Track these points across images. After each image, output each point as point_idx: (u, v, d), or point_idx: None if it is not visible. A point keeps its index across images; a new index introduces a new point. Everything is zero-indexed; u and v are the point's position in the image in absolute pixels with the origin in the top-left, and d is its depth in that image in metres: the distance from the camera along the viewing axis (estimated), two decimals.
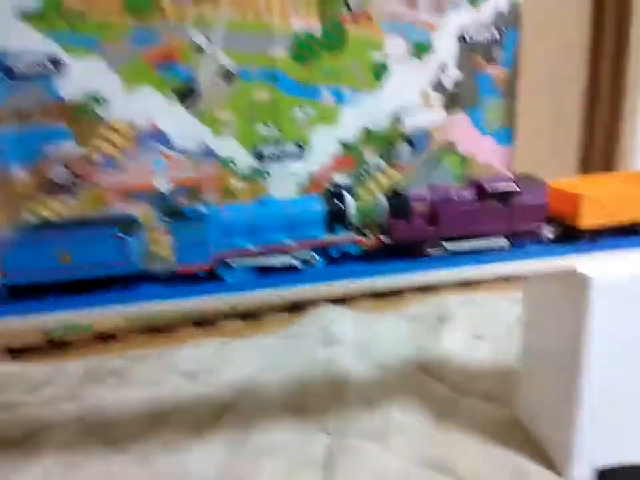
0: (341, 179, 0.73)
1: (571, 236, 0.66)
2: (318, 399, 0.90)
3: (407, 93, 1.19)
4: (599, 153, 1.30)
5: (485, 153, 1.26)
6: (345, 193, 0.64)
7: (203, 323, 1.21)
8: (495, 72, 1.21)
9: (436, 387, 0.91)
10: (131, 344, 1.17)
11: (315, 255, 0.63)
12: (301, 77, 1.12)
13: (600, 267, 0.64)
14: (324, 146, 1.18)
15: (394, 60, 1.16)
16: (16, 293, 0.60)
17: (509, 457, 0.74)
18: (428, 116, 1.21)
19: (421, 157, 1.23)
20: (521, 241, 0.65)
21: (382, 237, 0.63)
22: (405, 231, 0.62)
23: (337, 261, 0.64)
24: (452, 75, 1.19)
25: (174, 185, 1.10)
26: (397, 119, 1.20)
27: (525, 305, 0.79)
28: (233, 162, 1.13)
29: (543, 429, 0.76)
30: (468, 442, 0.77)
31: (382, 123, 1.19)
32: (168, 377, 1.02)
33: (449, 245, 0.63)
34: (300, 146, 1.16)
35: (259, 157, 1.14)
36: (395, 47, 1.16)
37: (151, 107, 1.08)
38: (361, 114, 1.18)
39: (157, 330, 1.20)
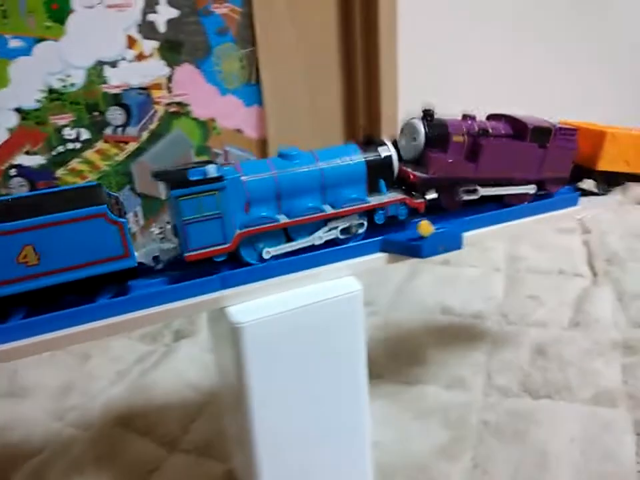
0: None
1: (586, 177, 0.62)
2: None
3: (104, 40, 0.89)
4: (362, 109, 1.13)
5: (228, 116, 1.02)
6: (386, 141, 0.51)
7: None
8: (224, 11, 0.96)
9: (139, 445, 0.68)
10: None
11: (361, 222, 0.50)
12: None
13: (252, 303, 0.47)
14: None
15: None
16: None
17: None
18: (141, 70, 0.93)
19: (143, 125, 0.95)
20: (549, 190, 0.59)
21: (416, 173, 0.51)
22: (443, 165, 0.51)
23: (380, 227, 0.51)
24: (166, 15, 0.92)
25: None
26: (97, 76, 0.90)
27: (209, 334, 0.58)
28: None
29: None
30: None
31: (75, 81, 0.89)
32: None
33: (483, 190, 0.54)
34: None
35: None
36: None
37: None
38: (43, 70, 0.86)
39: None
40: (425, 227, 0.49)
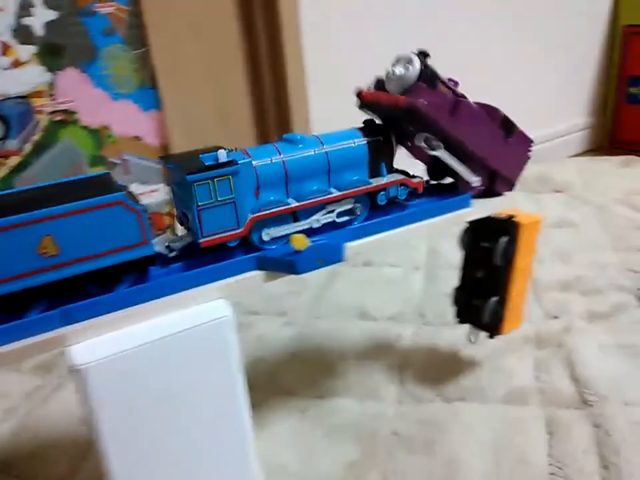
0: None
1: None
2: None
3: None
4: (271, 103, 1.08)
5: (123, 122, 0.95)
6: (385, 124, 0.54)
7: None
8: (109, 10, 0.89)
9: None
10: None
11: (359, 205, 0.51)
12: None
13: (100, 340, 0.41)
14: None
15: None
16: None
17: None
18: (18, 77, 0.85)
19: (24, 137, 0.87)
20: (497, 189, 0.61)
21: (401, 100, 0.50)
22: (431, 99, 0.51)
23: (381, 208, 0.53)
24: (43, 17, 0.84)
25: None
26: None
27: None
28: None
29: None
30: None
31: None
32: None
33: (440, 152, 0.54)
34: None
35: None
36: None
37: None
38: None
39: None
40: (299, 241, 0.45)
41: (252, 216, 0.46)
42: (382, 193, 0.52)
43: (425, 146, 0.54)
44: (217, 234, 0.44)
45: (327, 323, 0.88)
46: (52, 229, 0.38)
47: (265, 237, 0.47)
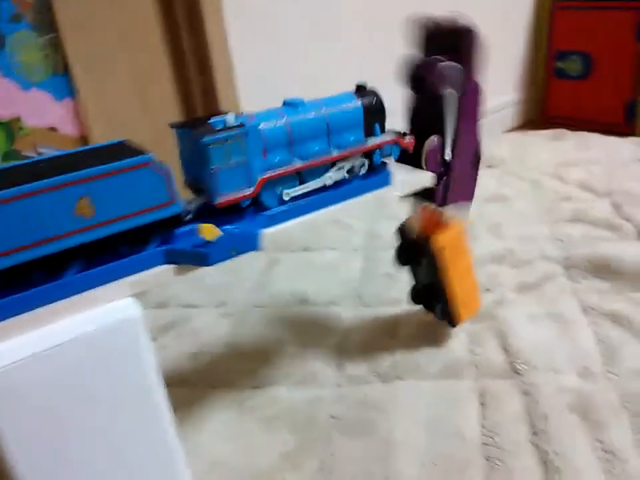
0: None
1: None
2: None
3: None
4: (196, 84, 1.05)
5: (36, 113, 0.89)
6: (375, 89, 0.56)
7: None
8: None
9: None
10: None
11: (364, 161, 0.55)
12: None
13: None
14: None
15: None
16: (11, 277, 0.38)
17: None
18: None
19: None
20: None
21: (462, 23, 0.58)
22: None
23: (378, 168, 0.57)
24: None
25: None
26: None
27: None
28: None
29: None
30: None
31: None
32: None
33: (449, 91, 0.59)
34: None
35: None
36: None
37: None
38: None
39: None
40: (208, 231, 0.43)
41: (262, 176, 0.48)
42: (377, 151, 0.55)
43: (447, 67, 0.58)
44: (231, 194, 0.46)
45: (266, 312, 0.87)
46: (88, 191, 0.39)
47: (285, 197, 0.50)
